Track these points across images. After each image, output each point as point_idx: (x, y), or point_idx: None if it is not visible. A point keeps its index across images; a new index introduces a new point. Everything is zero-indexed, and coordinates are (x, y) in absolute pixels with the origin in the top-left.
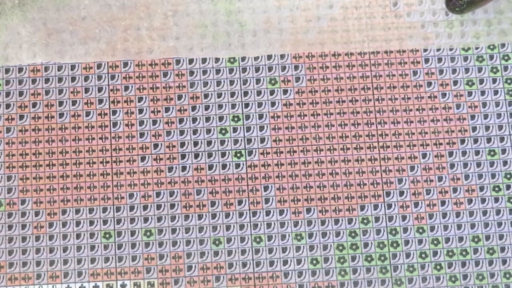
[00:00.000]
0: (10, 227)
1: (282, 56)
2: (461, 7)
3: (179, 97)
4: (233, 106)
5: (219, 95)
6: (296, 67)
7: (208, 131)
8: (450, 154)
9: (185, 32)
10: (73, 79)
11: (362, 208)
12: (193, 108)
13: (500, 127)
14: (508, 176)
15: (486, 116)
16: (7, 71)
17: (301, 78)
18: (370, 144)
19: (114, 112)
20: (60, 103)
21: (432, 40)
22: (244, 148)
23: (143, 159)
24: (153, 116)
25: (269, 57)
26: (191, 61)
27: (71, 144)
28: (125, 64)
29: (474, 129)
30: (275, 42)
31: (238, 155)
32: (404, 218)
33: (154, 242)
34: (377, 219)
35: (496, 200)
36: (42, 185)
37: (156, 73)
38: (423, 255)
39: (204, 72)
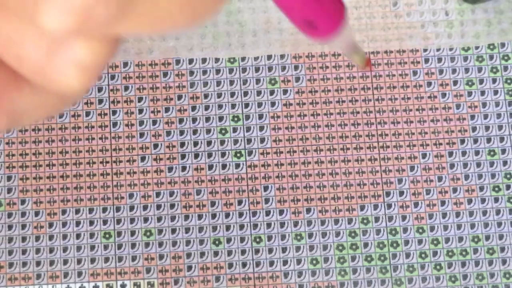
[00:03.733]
0: (10, 227)
1: (282, 56)
2: None
3: (179, 97)
4: (233, 106)
5: (219, 95)
6: (296, 67)
7: (208, 131)
8: (450, 154)
9: (185, 32)
10: None
11: (362, 208)
12: (193, 108)
13: (500, 127)
14: (508, 176)
15: (486, 116)
16: None
17: (301, 78)
18: (370, 144)
19: (114, 112)
20: None
21: (432, 40)
22: (244, 148)
23: (143, 159)
24: (153, 116)
25: (269, 57)
26: (191, 61)
27: (71, 144)
28: (125, 64)
29: (474, 129)
30: (275, 42)
31: (238, 155)
32: (404, 218)
33: (154, 242)
34: (377, 219)
35: (496, 200)
36: (42, 185)
37: (156, 73)
38: (423, 255)
39: (204, 72)
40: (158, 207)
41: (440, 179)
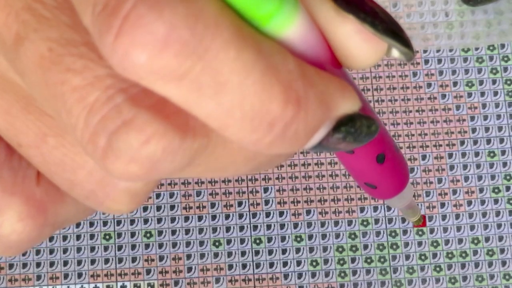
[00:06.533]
0: None
1: None
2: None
3: None
4: None
5: None
6: None
7: None
8: (450, 155)
9: None
10: None
11: (362, 210)
12: None
13: (500, 128)
14: (508, 177)
15: (485, 117)
16: None
17: None
18: None
19: None
20: None
21: (431, 41)
22: None
23: None
24: None
25: None
26: None
27: None
28: None
29: (473, 130)
30: None
31: None
32: (403, 220)
33: (154, 243)
34: (376, 221)
35: (496, 201)
36: None
37: None
38: (422, 257)
39: None
40: (158, 208)
41: (439, 180)
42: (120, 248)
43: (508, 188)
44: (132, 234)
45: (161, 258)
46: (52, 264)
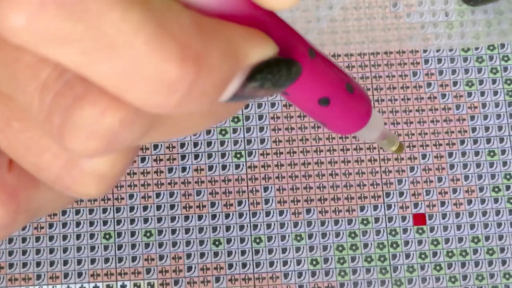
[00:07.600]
0: None
1: None
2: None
3: None
4: None
5: None
6: None
7: (208, 132)
8: (450, 155)
9: None
10: None
11: (362, 209)
12: None
13: (500, 128)
14: (508, 176)
15: (485, 117)
16: None
17: None
18: (370, 145)
19: None
20: None
21: (432, 41)
22: (244, 149)
23: (143, 160)
24: None
25: None
26: None
27: None
28: None
29: (473, 129)
30: None
31: (238, 156)
32: (403, 218)
33: (154, 243)
34: (376, 219)
35: (496, 200)
36: None
37: None
38: (422, 256)
39: None
40: (158, 207)
41: (440, 179)
42: (120, 247)
43: (508, 187)
44: (132, 234)
45: (161, 258)
46: (52, 263)
